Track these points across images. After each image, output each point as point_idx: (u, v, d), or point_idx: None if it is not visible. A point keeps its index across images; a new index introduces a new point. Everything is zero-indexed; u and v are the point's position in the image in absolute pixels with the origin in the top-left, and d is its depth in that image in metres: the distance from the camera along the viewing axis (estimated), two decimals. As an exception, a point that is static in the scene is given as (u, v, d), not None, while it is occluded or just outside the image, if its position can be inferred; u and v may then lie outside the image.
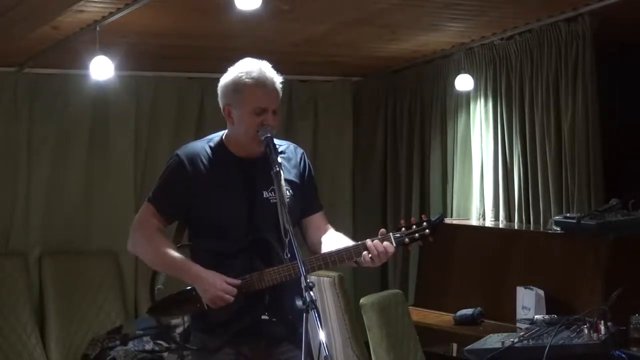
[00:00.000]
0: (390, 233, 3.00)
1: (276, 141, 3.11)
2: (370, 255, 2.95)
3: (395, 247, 3.00)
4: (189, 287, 3.06)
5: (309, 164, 3.21)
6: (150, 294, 3.16)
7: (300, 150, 3.21)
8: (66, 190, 6.34)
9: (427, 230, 3.00)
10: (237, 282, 2.98)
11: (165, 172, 3.14)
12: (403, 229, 3.02)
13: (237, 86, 3.03)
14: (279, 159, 3.03)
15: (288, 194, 3.04)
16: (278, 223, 2.99)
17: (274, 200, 3.02)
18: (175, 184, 3.09)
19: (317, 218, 3.20)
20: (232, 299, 2.95)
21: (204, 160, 3.07)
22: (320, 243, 3.12)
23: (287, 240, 2.99)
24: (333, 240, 3.12)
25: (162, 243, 3.06)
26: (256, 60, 3.07)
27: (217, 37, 5.47)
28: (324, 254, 3.02)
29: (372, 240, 2.98)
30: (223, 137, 3.14)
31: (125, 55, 5.56)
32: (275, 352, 3.08)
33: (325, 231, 3.18)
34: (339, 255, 2.99)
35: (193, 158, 3.07)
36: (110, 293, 6.27)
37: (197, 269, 3.00)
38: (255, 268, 3.01)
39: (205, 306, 3.01)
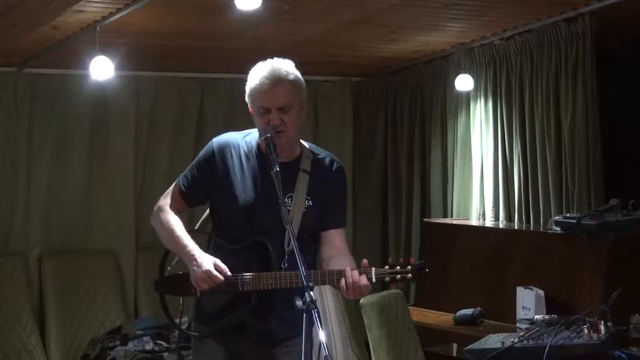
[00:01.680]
0: (373, 268, 2.91)
1: (317, 150, 3.16)
2: (345, 286, 2.88)
3: (374, 282, 2.91)
4: (187, 271, 3.10)
5: (342, 180, 3.17)
6: (159, 269, 3.22)
7: (337, 164, 3.17)
8: (66, 190, 6.34)
9: (409, 275, 2.91)
10: (227, 271, 2.99)
11: (198, 156, 3.20)
12: (387, 267, 2.93)
13: (248, 87, 3.08)
14: (309, 167, 3.07)
15: (306, 203, 3.05)
16: (284, 229, 2.97)
17: (289, 207, 3.01)
18: (201, 171, 3.15)
19: (333, 234, 3.13)
20: (214, 283, 2.98)
21: (234, 155, 3.10)
22: (327, 260, 3.07)
23: (288, 249, 2.99)
24: (337, 262, 3.05)
25: (173, 221, 3.13)
26: (272, 59, 3.07)
27: (217, 37, 5.46)
28: (309, 272, 2.93)
29: (352, 270, 2.90)
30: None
31: (125, 55, 5.55)
32: (253, 355, 3.09)
33: (337, 249, 3.10)
34: (322, 277, 2.96)
35: (224, 150, 3.11)
36: (110, 293, 6.26)
37: (192, 248, 3.05)
38: (250, 269, 3.00)
39: (198, 293, 3.05)
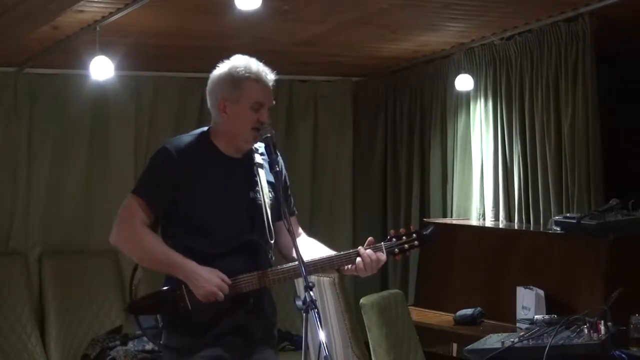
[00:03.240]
0: (382, 243, 3.01)
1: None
2: (363, 264, 2.97)
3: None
4: (167, 287, 3.02)
5: (283, 167, 3.16)
6: (129, 292, 3.13)
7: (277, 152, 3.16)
8: (66, 190, 6.34)
9: (416, 242, 3.02)
10: (227, 279, 2.95)
11: (153, 163, 3.06)
12: (393, 239, 3.01)
13: (236, 80, 3.02)
14: (261, 160, 3.06)
15: (270, 195, 3.04)
16: (264, 224, 2.99)
17: (260, 202, 3.01)
18: (165, 175, 3.00)
19: (292, 222, 3.10)
20: (222, 296, 2.92)
21: (193, 155, 3.02)
22: (290, 247, 3.02)
23: (272, 243, 3.01)
24: (309, 247, 3.10)
25: (152, 238, 3.01)
26: (247, 57, 3.06)
27: (217, 37, 5.46)
28: (316, 260, 3.00)
29: (365, 249, 2.98)
30: (209, 133, 3.10)
31: (125, 55, 5.56)
32: (253, 354, 3.04)
33: (297, 235, 3.10)
34: (330, 262, 3.00)
35: (182, 151, 3.02)
36: (110, 293, 6.26)
37: (193, 264, 2.94)
38: (244, 270, 2.97)
39: (189, 306, 2.96)
